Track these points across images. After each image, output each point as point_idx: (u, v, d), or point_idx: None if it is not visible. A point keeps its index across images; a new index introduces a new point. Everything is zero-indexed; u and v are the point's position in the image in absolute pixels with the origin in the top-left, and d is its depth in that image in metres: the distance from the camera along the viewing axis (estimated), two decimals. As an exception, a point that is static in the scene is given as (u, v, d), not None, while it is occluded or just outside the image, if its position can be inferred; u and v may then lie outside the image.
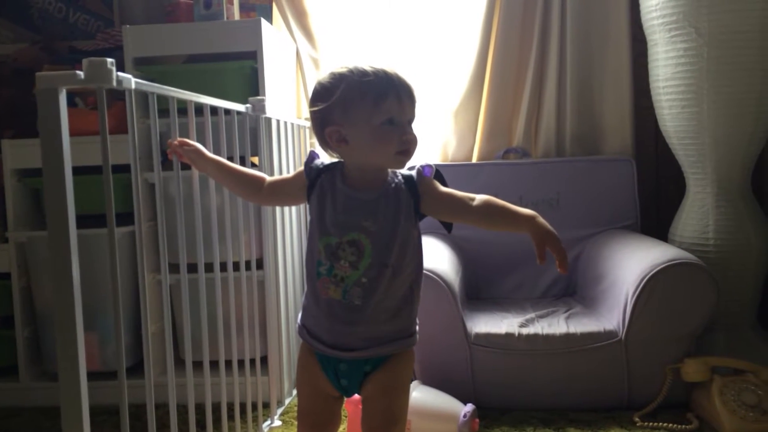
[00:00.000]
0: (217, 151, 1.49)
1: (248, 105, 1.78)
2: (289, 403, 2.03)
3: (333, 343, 1.15)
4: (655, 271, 1.81)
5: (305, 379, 1.21)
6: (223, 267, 1.64)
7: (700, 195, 2.14)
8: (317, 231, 1.15)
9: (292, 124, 2.16)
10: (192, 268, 1.49)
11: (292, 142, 2.16)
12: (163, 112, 1.37)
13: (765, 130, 2.07)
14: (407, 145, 1.11)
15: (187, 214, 1.43)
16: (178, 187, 1.39)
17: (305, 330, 1.20)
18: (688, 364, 1.81)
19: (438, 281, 1.83)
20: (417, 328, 1.21)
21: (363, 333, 1.14)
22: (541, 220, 1.11)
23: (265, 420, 1.86)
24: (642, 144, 2.52)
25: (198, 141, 1.39)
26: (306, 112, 2.56)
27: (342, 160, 1.18)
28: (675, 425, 1.74)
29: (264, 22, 2.05)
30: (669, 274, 1.80)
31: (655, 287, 1.80)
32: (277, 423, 1.88)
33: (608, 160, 2.42)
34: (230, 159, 1.66)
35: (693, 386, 1.84)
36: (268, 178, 1.29)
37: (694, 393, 1.84)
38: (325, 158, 1.23)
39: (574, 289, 2.33)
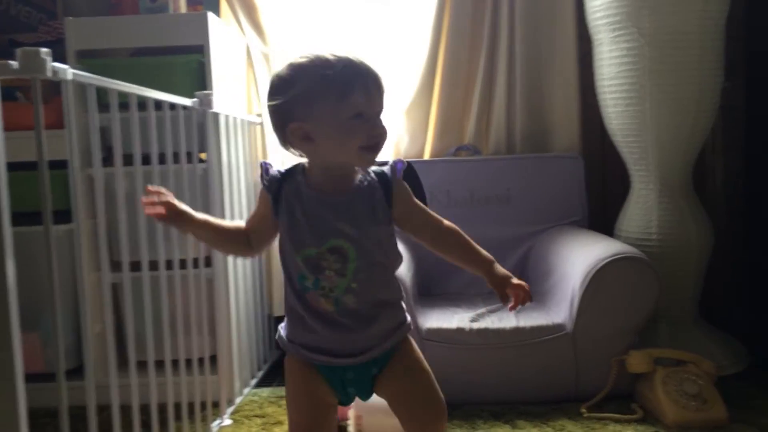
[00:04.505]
0: (162, 148, 1.46)
1: (195, 99, 1.75)
2: (241, 402, 2.01)
3: (339, 351, 1.09)
4: (600, 265, 1.85)
5: (304, 391, 1.12)
6: (170, 265, 1.60)
7: (643, 192, 2.20)
8: (292, 246, 1.07)
9: (242, 120, 2.14)
10: (138, 266, 1.46)
11: (242, 138, 2.13)
12: (108, 107, 1.34)
13: (704, 129, 2.13)
14: (377, 138, 1.03)
15: (130, 211, 1.40)
16: (119, 183, 1.35)
17: (299, 346, 1.11)
18: (632, 356, 1.85)
19: (389, 277, 1.83)
20: (406, 314, 1.17)
21: (367, 334, 1.09)
22: (497, 266, 1.11)
23: (214, 419, 1.83)
24: (589, 141, 2.56)
25: (141, 137, 1.36)
26: (257, 107, 2.53)
27: (303, 161, 1.10)
28: (620, 415, 1.79)
29: (211, 15, 2.02)
30: (614, 268, 1.84)
31: (601, 281, 1.84)
32: (228, 422, 1.86)
33: (557, 157, 2.46)
34: (176, 155, 1.63)
35: (637, 377, 1.89)
36: (246, 225, 1.16)
37: (638, 384, 1.88)
38: (277, 165, 1.14)
39: (524, 284, 2.36)
